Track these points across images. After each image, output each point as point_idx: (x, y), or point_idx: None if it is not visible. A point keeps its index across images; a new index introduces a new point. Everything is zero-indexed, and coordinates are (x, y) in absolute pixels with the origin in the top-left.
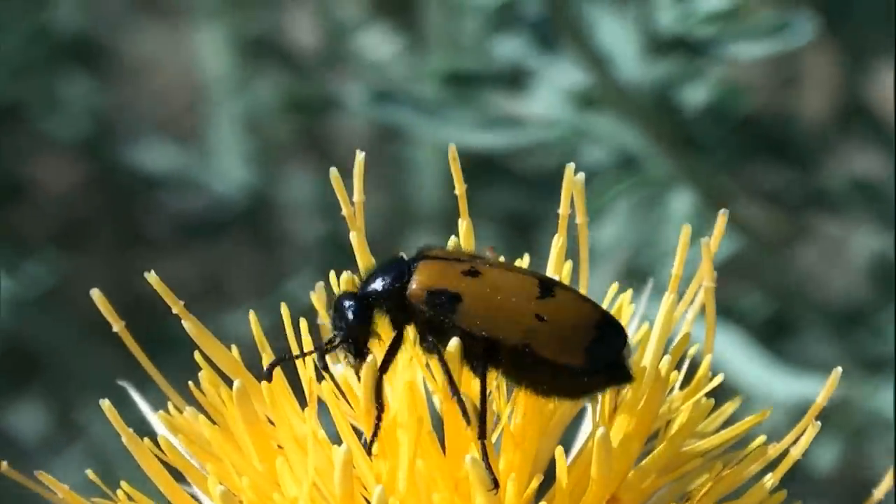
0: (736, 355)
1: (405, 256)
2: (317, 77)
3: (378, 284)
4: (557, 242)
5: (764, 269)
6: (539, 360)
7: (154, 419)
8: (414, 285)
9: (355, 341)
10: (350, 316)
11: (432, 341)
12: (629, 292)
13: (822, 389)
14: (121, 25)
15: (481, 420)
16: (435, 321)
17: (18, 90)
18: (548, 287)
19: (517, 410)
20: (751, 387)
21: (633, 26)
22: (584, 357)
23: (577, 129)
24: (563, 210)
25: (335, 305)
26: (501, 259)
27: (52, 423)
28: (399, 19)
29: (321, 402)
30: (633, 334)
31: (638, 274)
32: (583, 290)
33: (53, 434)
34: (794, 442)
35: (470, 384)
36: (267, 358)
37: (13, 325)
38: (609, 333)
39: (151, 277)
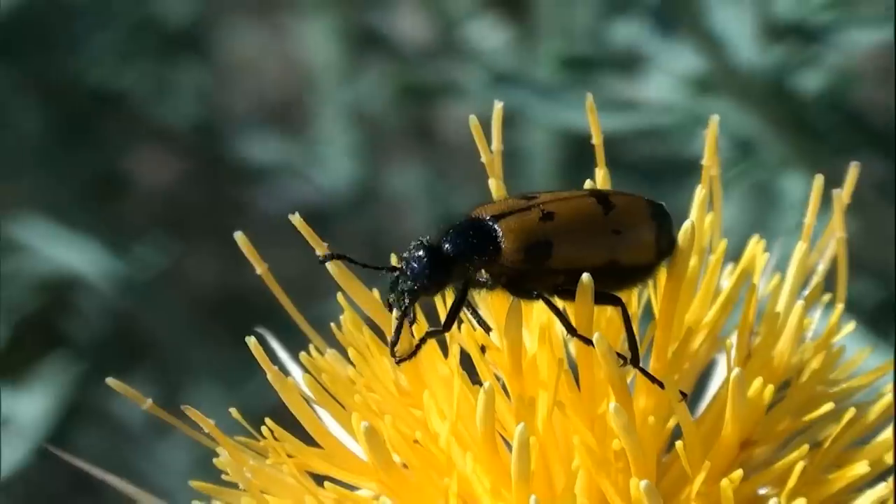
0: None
1: (474, 217)
2: (425, 67)
3: (464, 247)
4: (700, 193)
5: (874, 256)
6: (620, 269)
7: (292, 366)
8: (508, 245)
9: (421, 297)
10: (432, 274)
11: (529, 290)
12: (762, 241)
13: None
14: (223, 22)
15: (632, 345)
16: (529, 272)
17: (126, 79)
18: (604, 199)
19: (651, 355)
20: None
21: (748, 12)
22: (655, 251)
23: (693, 114)
24: (706, 160)
25: (415, 258)
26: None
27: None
28: (507, 10)
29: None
30: (766, 284)
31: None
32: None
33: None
34: None
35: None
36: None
37: (123, 307)
38: (663, 218)
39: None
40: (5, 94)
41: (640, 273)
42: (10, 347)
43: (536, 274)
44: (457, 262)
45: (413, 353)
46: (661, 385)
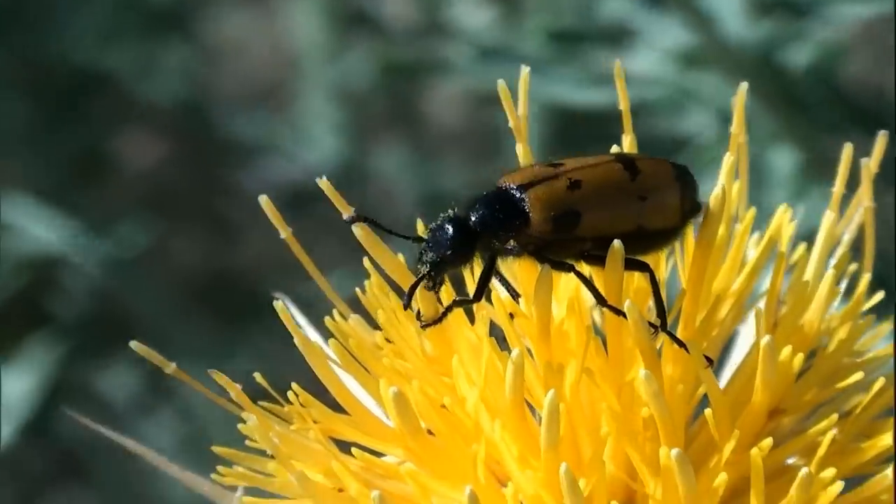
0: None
1: (498, 186)
2: (411, 45)
3: (490, 220)
4: (728, 160)
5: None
6: (647, 234)
7: (311, 332)
8: (536, 215)
9: (446, 270)
10: (456, 247)
11: (557, 258)
12: (790, 210)
13: None
14: (210, 1)
15: (660, 311)
16: (557, 241)
17: (111, 58)
18: (630, 165)
19: (678, 324)
20: None
21: None
22: (679, 213)
23: (681, 88)
24: (735, 128)
25: (442, 230)
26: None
27: (144, 384)
28: None
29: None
30: (791, 254)
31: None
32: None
33: (146, 396)
34: None
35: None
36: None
37: (107, 287)
38: (687, 180)
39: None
40: None
41: (666, 237)
42: None
43: (564, 242)
44: (483, 234)
45: (439, 320)
46: (688, 350)
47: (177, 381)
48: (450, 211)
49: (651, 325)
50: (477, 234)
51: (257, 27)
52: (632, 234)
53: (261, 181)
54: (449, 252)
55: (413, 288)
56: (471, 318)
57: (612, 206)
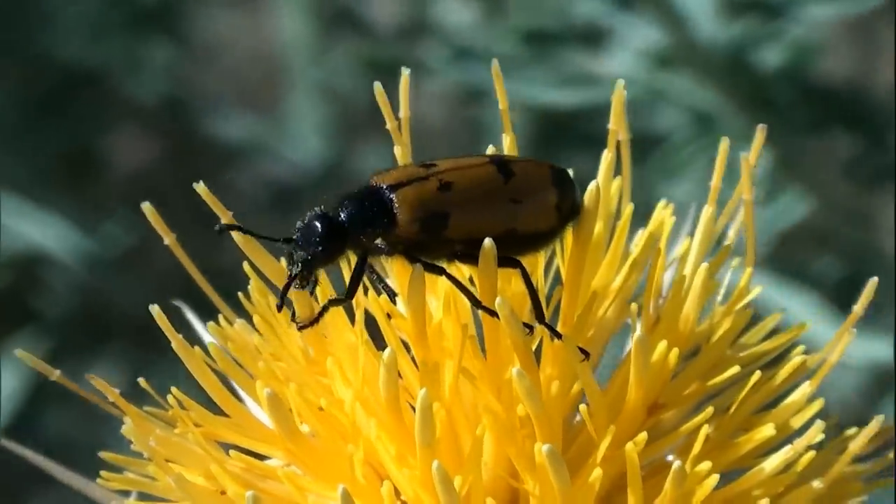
0: (808, 316)
1: (367, 184)
2: (395, 44)
3: (359, 218)
4: (606, 157)
5: (838, 233)
6: (520, 237)
7: (208, 337)
8: (403, 216)
9: (317, 267)
10: (326, 244)
11: (427, 259)
12: (670, 206)
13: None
14: (193, 4)
15: (535, 304)
16: (425, 242)
17: (98, 55)
18: (504, 166)
19: (556, 322)
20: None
21: None
22: (556, 217)
23: (653, 88)
24: (612, 125)
25: (310, 228)
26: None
27: (128, 382)
28: None
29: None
30: (676, 249)
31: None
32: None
33: (130, 394)
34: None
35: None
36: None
37: (92, 285)
38: (566, 184)
39: (200, 188)
40: None
41: (542, 239)
42: None
43: (433, 243)
44: (351, 232)
45: (315, 321)
46: (561, 339)
47: (159, 379)
48: (317, 208)
49: (526, 325)
50: (346, 232)
51: (243, 26)
52: (504, 237)
53: (247, 178)
54: (319, 249)
55: (286, 288)
56: (352, 319)
57: (481, 209)
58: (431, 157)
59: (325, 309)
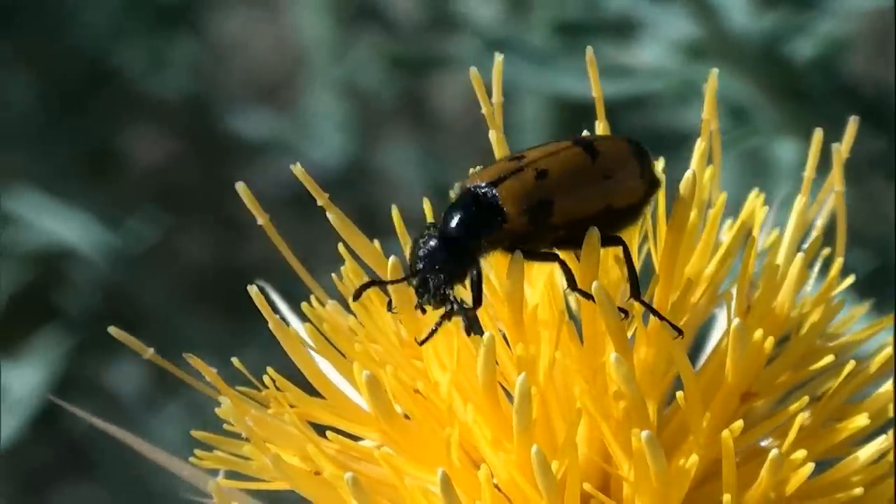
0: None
1: (468, 188)
2: (418, 40)
3: (472, 224)
4: (700, 146)
5: (867, 226)
6: (614, 212)
7: (293, 319)
8: (512, 210)
9: (453, 290)
10: (454, 264)
11: (531, 250)
12: (762, 196)
13: None
14: (214, 2)
15: (633, 281)
16: (532, 232)
17: (120, 53)
18: (588, 146)
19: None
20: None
21: None
22: (643, 187)
23: (686, 80)
24: (705, 114)
25: (432, 255)
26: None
27: (152, 379)
28: None
29: None
30: (764, 240)
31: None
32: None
33: (153, 391)
34: None
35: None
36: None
37: (115, 281)
38: (644, 154)
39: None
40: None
41: (632, 213)
42: (4, 320)
43: (540, 232)
44: (471, 241)
45: (432, 333)
46: (660, 317)
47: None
48: (430, 229)
49: (622, 309)
50: (466, 242)
51: (263, 23)
52: (601, 215)
53: (268, 178)
54: (449, 271)
55: (437, 327)
56: None
57: (580, 189)
58: (456, 151)
59: (444, 319)
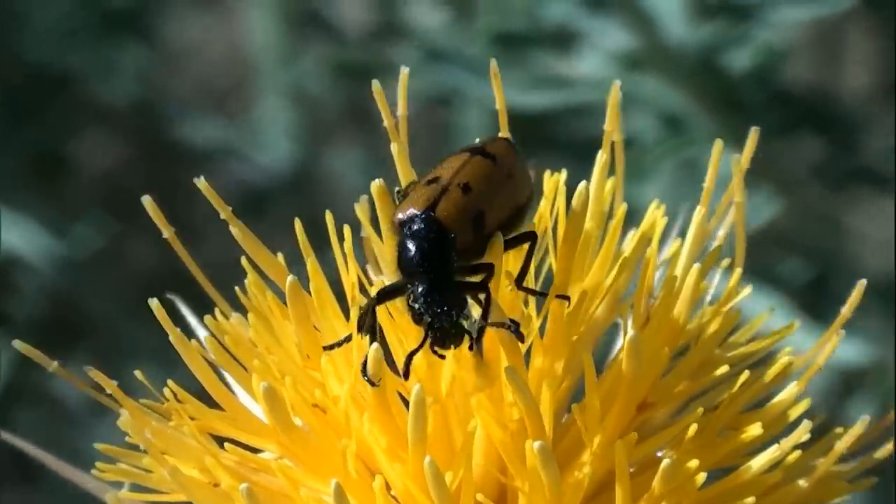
0: (774, 317)
1: (402, 217)
2: (364, 48)
3: (440, 252)
4: (601, 158)
5: (805, 235)
6: (520, 208)
7: (201, 330)
8: (457, 228)
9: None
10: (446, 299)
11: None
12: (662, 206)
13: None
14: (167, 4)
15: (523, 270)
16: (476, 245)
17: (69, 58)
18: (484, 153)
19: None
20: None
21: None
22: (531, 178)
23: (623, 91)
24: (608, 126)
25: (429, 300)
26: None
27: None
28: None
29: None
30: (667, 249)
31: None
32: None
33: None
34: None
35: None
36: (312, 263)
37: (61, 287)
38: (517, 149)
39: (201, 183)
40: None
41: (529, 206)
42: None
43: (480, 243)
44: (443, 268)
45: (406, 373)
46: (543, 295)
47: (129, 384)
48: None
49: (513, 321)
50: (444, 270)
51: (213, 29)
52: (513, 214)
53: (217, 183)
54: (443, 308)
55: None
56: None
57: (497, 194)
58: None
59: (412, 355)
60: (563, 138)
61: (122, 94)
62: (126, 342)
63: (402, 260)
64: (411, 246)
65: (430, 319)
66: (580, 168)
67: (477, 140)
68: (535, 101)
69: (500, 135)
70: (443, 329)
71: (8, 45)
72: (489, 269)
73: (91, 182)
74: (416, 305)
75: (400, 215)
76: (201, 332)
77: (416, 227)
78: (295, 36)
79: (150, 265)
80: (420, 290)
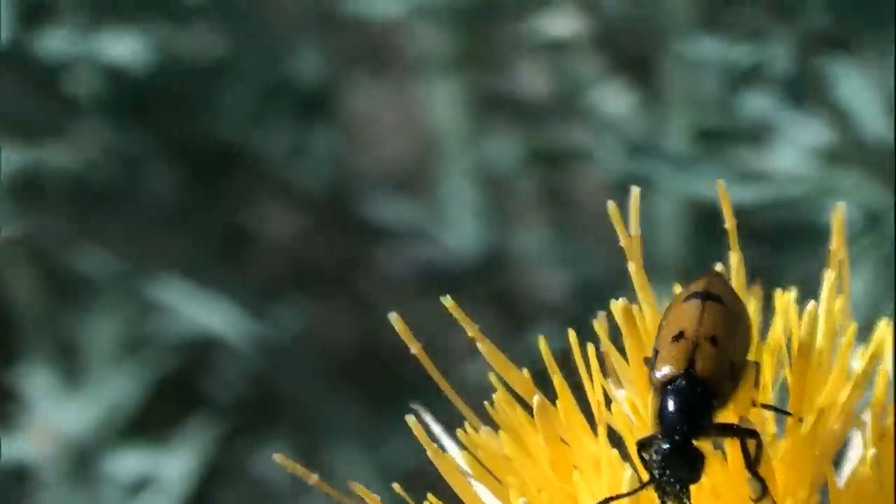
0: None
1: (666, 382)
2: (551, 130)
3: (693, 415)
4: (829, 276)
5: None
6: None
7: (446, 439)
8: (719, 387)
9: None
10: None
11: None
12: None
13: None
14: (344, 80)
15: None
16: (731, 392)
17: (258, 139)
18: (713, 296)
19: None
20: None
21: (876, 85)
22: (747, 311)
23: (822, 185)
24: (834, 244)
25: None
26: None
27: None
28: (634, 74)
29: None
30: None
31: None
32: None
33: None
34: None
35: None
36: (558, 381)
37: (261, 369)
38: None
39: (447, 301)
40: (141, 155)
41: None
42: (152, 408)
43: (735, 389)
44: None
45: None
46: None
47: (331, 463)
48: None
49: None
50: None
51: (393, 105)
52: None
53: (401, 260)
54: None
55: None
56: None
57: (735, 335)
58: (595, 242)
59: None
60: (758, 228)
61: (312, 176)
62: (325, 422)
63: (664, 419)
64: (676, 412)
65: (659, 475)
66: (777, 259)
67: (694, 284)
68: (735, 196)
69: (713, 269)
70: (672, 492)
71: (200, 128)
72: (753, 435)
73: (275, 257)
74: (656, 459)
75: (659, 375)
76: (448, 445)
77: (677, 389)
78: (476, 114)
79: (340, 340)
80: (665, 447)
